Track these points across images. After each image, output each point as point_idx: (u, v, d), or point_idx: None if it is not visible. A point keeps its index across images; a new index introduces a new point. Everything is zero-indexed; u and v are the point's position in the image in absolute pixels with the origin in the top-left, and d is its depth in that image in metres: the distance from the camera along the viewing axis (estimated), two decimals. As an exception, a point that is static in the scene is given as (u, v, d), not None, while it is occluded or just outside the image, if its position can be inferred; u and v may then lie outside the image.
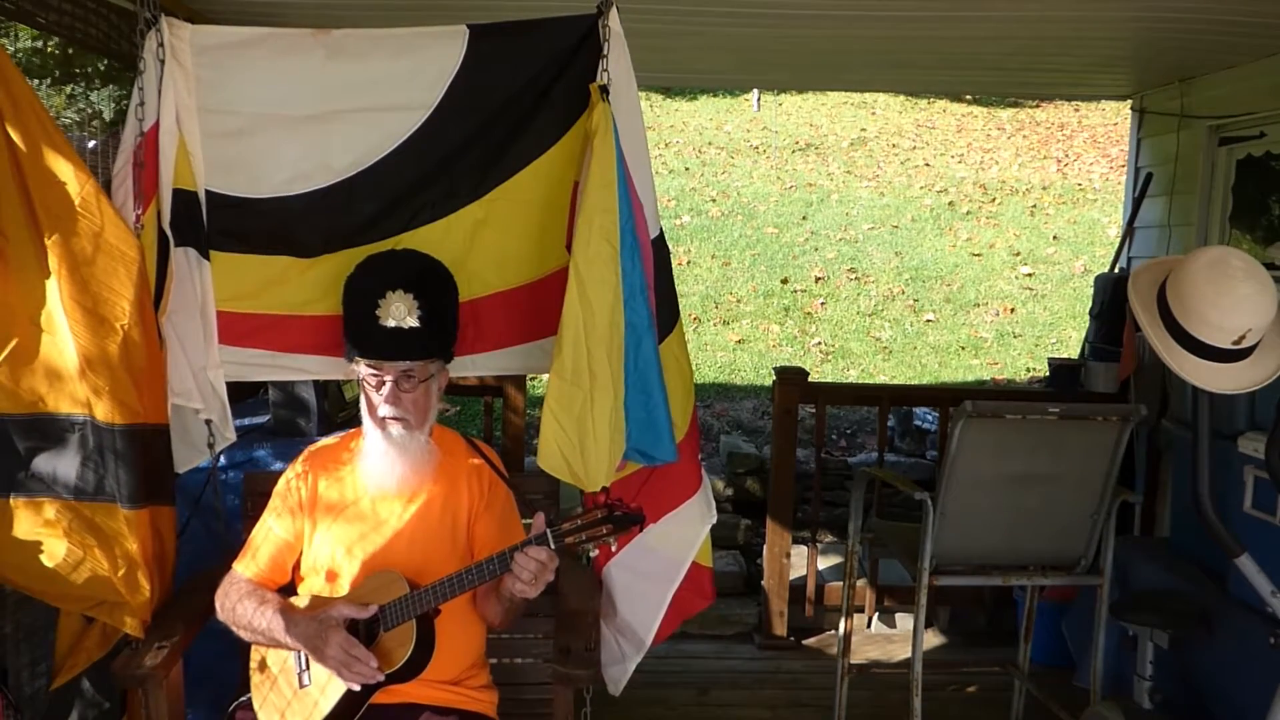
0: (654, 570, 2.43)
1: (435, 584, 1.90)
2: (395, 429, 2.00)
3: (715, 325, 7.83)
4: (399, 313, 1.98)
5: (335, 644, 1.84)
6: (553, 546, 1.84)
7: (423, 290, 2.02)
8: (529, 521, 2.20)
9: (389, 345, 1.98)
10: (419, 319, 1.99)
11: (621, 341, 2.13)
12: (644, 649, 2.55)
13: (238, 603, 1.98)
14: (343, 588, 2.01)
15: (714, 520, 2.51)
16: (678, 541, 2.43)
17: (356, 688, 1.87)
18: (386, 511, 2.05)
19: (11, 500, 2.04)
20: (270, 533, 2.07)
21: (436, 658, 1.95)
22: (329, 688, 1.92)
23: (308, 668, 1.95)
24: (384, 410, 1.99)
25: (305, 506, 2.06)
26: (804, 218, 9.80)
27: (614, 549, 1.89)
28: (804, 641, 3.90)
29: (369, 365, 2.00)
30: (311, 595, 2.03)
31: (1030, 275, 8.78)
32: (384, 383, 1.99)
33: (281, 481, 2.11)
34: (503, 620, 2.04)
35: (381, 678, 1.88)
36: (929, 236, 9.45)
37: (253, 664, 2.07)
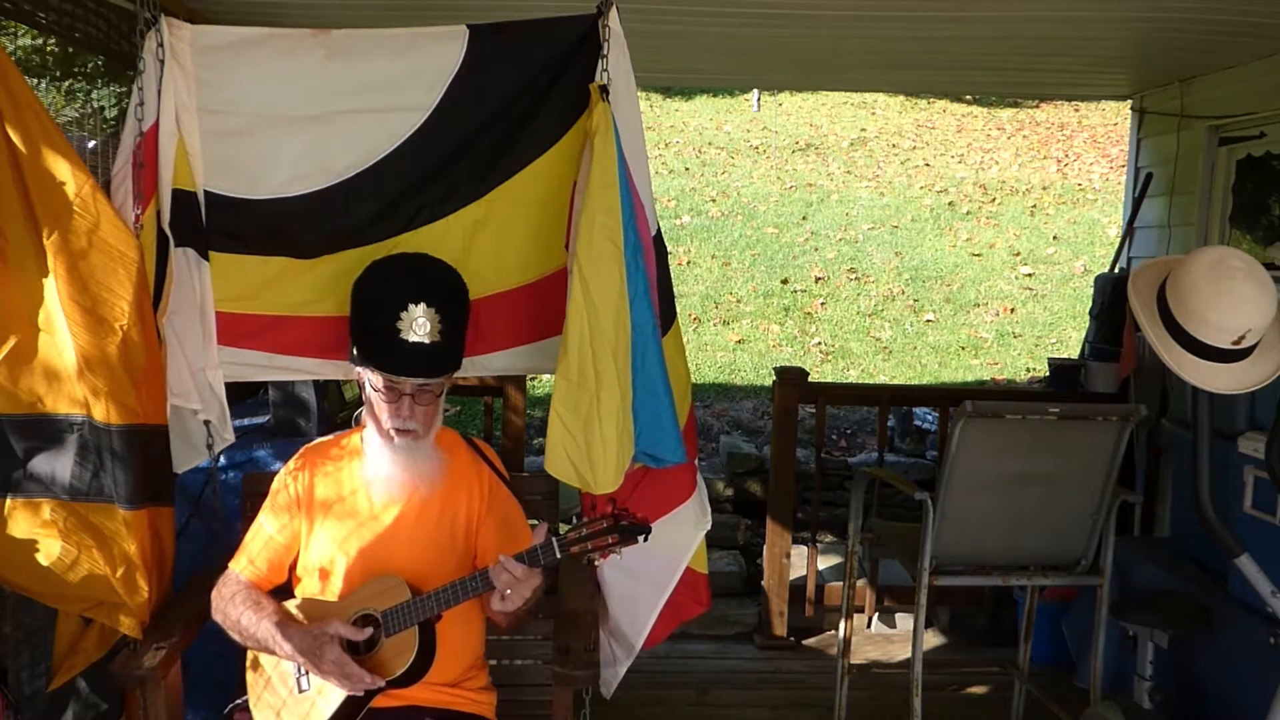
0: (646, 573, 2.41)
1: (438, 591, 1.89)
2: (405, 440, 1.98)
3: (715, 325, 7.83)
4: (422, 328, 1.92)
5: (330, 661, 1.84)
6: (558, 555, 1.83)
7: (445, 304, 1.98)
8: (535, 522, 2.20)
9: (411, 362, 1.93)
10: (440, 334, 1.95)
11: (628, 342, 2.12)
12: (634, 653, 2.54)
13: (229, 604, 1.97)
14: (336, 585, 2.00)
15: (708, 526, 2.47)
16: (671, 546, 2.40)
17: (360, 692, 1.87)
18: (382, 508, 2.04)
19: (9, 501, 2.03)
20: (264, 530, 2.06)
21: (436, 661, 1.95)
22: (328, 691, 1.91)
23: (306, 672, 1.95)
24: (396, 423, 1.96)
25: (302, 504, 2.05)
26: (804, 218, 9.79)
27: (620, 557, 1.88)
28: (804, 641, 3.90)
29: (386, 379, 1.96)
30: (307, 598, 2.02)
31: (1030, 275, 8.78)
32: (400, 397, 1.96)
33: (277, 480, 2.10)
34: (510, 624, 2.03)
35: (382, 684, 1.88)
36: (929, 236, 9.44)
37: (248, 663, 2.07)
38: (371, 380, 1.98)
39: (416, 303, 1.94)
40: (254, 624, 1.92)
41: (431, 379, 1.98)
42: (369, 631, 1.90)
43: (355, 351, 2.02)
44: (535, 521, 2.27)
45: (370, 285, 2.03)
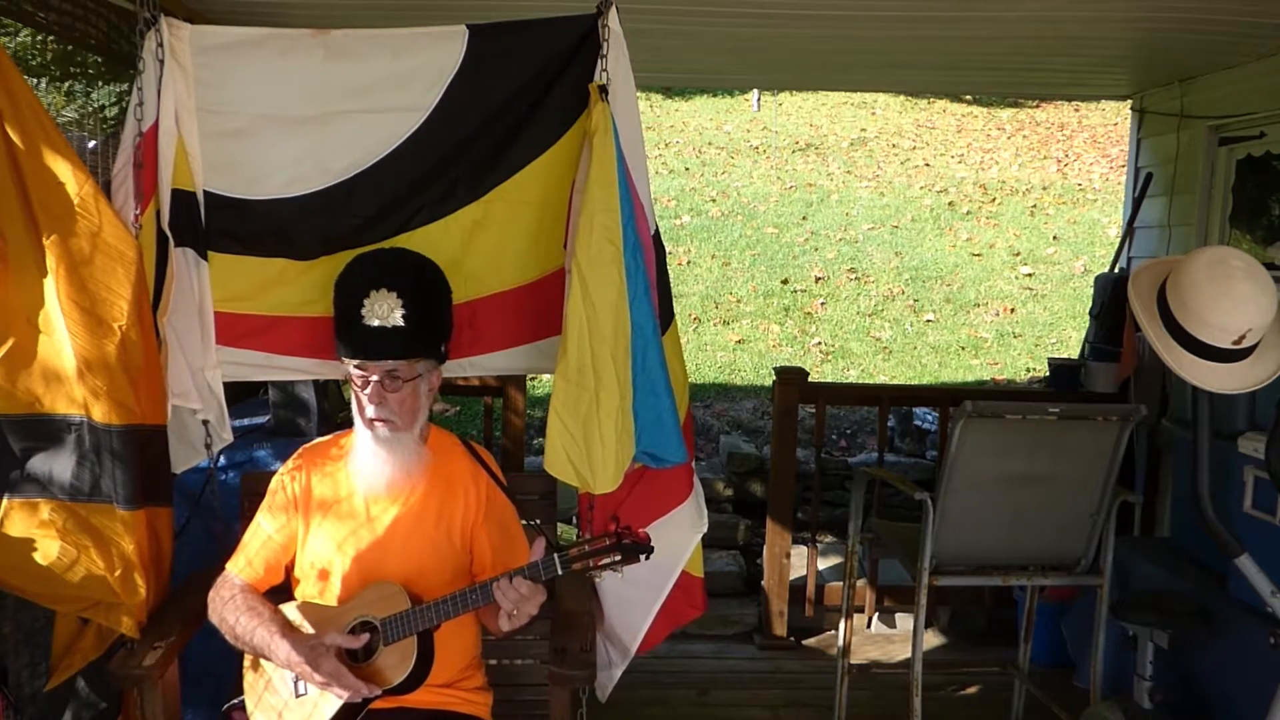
0: (642, 576, 2.38)
1: (438, 602, 1.89)
2: (383, 430, 1.98)
3: (715, 325, 7.83)
4: (383, 311, 1.95)
5: (326, 672, 1.84)
6: (559, 571, 1.83)
7: (408, 288, 1.99)
8: (530, 522, 2.19)
9: (372, 344, 1.96)
10: (403, 317, 1.96)
11: (628, 342, 2.12)
12: (629, 656, 2.53)
13: (226, 608, 1.97)
14: (334, 587, 2.00)
15: (704, 529, 2.45)
16: (667, 549, 2.35)
17: (359, 698, 1.88)
18: (378, 510, 2.03)
19: (6, 501, 2.03)
20: (262, 530, 2.06)
21: (434, 664, 1.95)
22: (328, 694, 1.91)
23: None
24: (370, 411, 1.97)
25: (299, 504, 2.05)
26: (804, 218, 9.79)
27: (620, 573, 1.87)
28: (804, 641, 3.90)
29: (355, 364, 1.98)
30: (306, 602, 2.02)
31: (1030, 275, 8.78)
32: (369, 382, 1.97)
33: (274, 480, 2.10)
34: (508, 630, 2.03)
35: (379, 693, 1.89)
36: (929, 236, 9.44)
37: (246, 663, 2.07)
38: (349, 370, 2.00)
39: (378, 288, 1.97)
40: (250, 631, 1.92)
41: (393, 360, 1.97)
42: (365, 638, 1.90)
43: (337, 345, 2.04)
44: (532, 522, 2.27)
45: (342, 278, 2.07)
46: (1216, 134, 4.02)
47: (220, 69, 2.21)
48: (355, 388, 2.00)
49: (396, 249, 2.17)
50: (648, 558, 1.82)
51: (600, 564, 1.79)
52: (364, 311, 1.96)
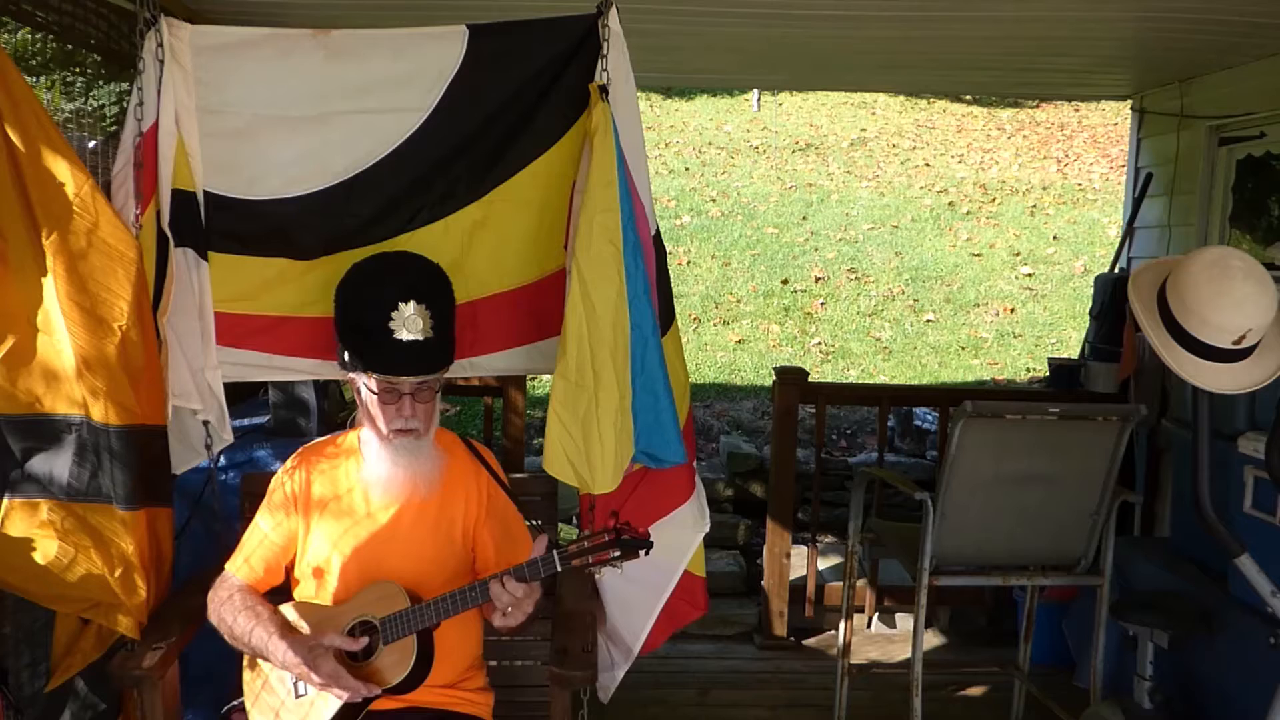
0: (644, 577, 2.39)
1: (437, 601, 1.89)
2: (405, 440, 1.97)
3: (715, 325, 7.83)
4: (415, 326, 1.91)
5: (325, 673, 1.84)
6: (559, 568, 1.82)
7: (433, 298, 1.97)
8: (531, 523, 2.19)
9: (408, 359, 1.92)
10: (432, 328, 1.94)
11: (627, 342, 2.12)
12: (632, 657, 2.53)
13: (224, 608, 1.97)
14: (332, 585, 2.00)
15: (707, 529, 2.45)
16: (669, 549, 2.37)
17: (359, 698, 1.87)
18: (378, 509, 2.03)
19: (6, 501, 2.03)
20: (260, 530, 2.06)
21: (435, 663, 1.95)
22: (327, 694, 1.91)
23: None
24: (398, 424, 1.95)
25: (298, 503, 2.04)
26: (804, 218, 9.79)
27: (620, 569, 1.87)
28: (804, 641, 3.90)
29: (383, 381, 1.94)
30: (304, 602, 2.02)
31: (1030, 275, 8.78)
32: (400, 396, 1.94)
33: (274, 480, 2.09)
34: (510, 626, 2.03)
35: (379, 693, 1.89)
36: (929, 236, 9.44)
37: (245, 663, 2.06)
38: (367, 384, 1.96)
39: (406, 300, 1.92)
40: (248, 632, 1.92)
41: (430, 375, 1.97)
42: (364, 642, 1.90)
43: (346, 357, 1.99)
44: (533, 522, 2.27)
45: (356, 288, 2.01)
46: (1216, 134, 4.02)
47: (220, 69, 2.21)
48: (376, 401, 1.96)
49: (403, 254, 2.14)
50: (647, 553, 1.81)
51: (600, 560, 1.79)
52: (393, 326, 1.91)
